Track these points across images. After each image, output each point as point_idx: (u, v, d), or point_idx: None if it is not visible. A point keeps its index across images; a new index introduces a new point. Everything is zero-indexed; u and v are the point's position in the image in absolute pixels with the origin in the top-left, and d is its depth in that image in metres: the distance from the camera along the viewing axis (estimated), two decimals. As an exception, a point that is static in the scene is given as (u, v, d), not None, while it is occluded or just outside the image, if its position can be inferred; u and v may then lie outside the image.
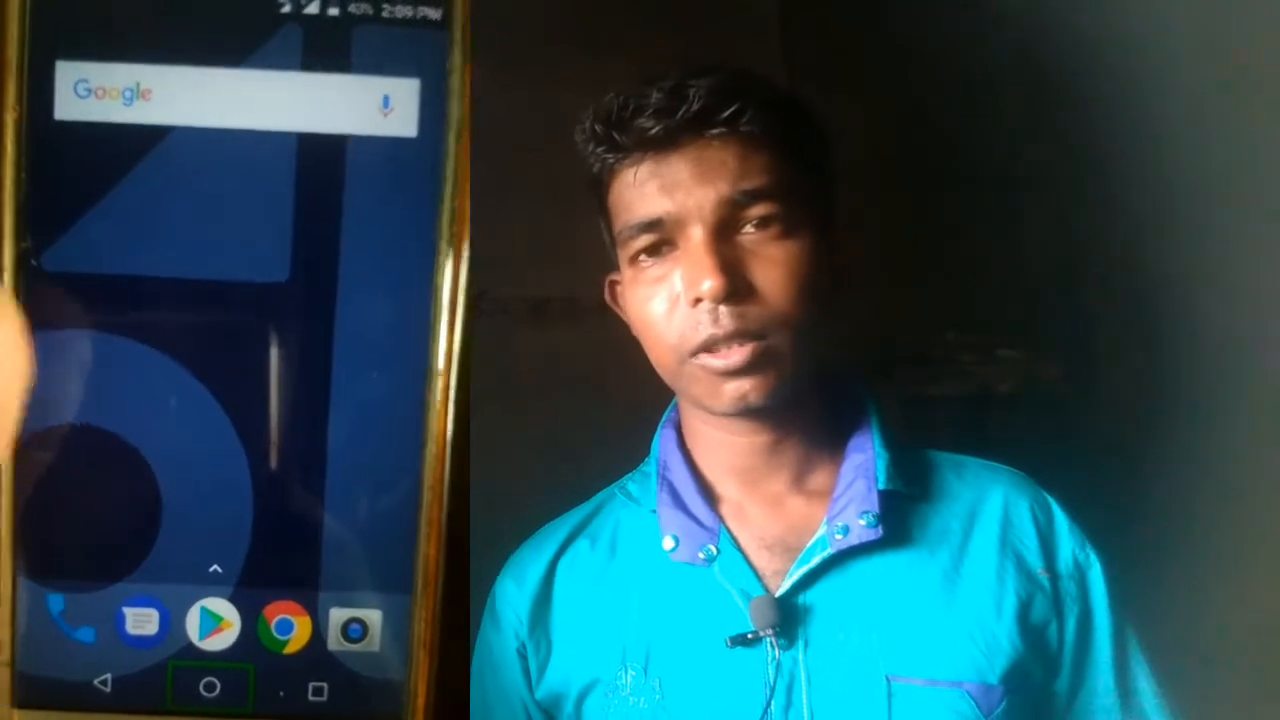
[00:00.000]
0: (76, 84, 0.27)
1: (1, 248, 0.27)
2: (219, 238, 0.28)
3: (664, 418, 0.59)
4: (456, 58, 0.28)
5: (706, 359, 0.50)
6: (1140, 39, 0.98)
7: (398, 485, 0.29)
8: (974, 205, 1.13)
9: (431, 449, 0.29)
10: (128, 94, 0.27)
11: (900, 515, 0.53)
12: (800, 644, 0.50)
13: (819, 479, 0.54)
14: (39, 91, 0.27)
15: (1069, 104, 1.08)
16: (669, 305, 0.51)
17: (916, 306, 1.12)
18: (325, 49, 0.27)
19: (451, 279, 0.29)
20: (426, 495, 0.30)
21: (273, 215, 0.28)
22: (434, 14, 0.28)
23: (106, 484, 0.28)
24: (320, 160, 0.28)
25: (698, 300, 0.49)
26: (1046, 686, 0.53)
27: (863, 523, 0.51)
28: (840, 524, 0.51)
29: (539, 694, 0.55)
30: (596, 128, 0.51)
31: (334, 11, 0.27)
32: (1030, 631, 0.52)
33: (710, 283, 0.48)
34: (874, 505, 0.51)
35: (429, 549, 0.30)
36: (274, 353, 0.28)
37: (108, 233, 0.28)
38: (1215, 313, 0.99)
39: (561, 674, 0.54)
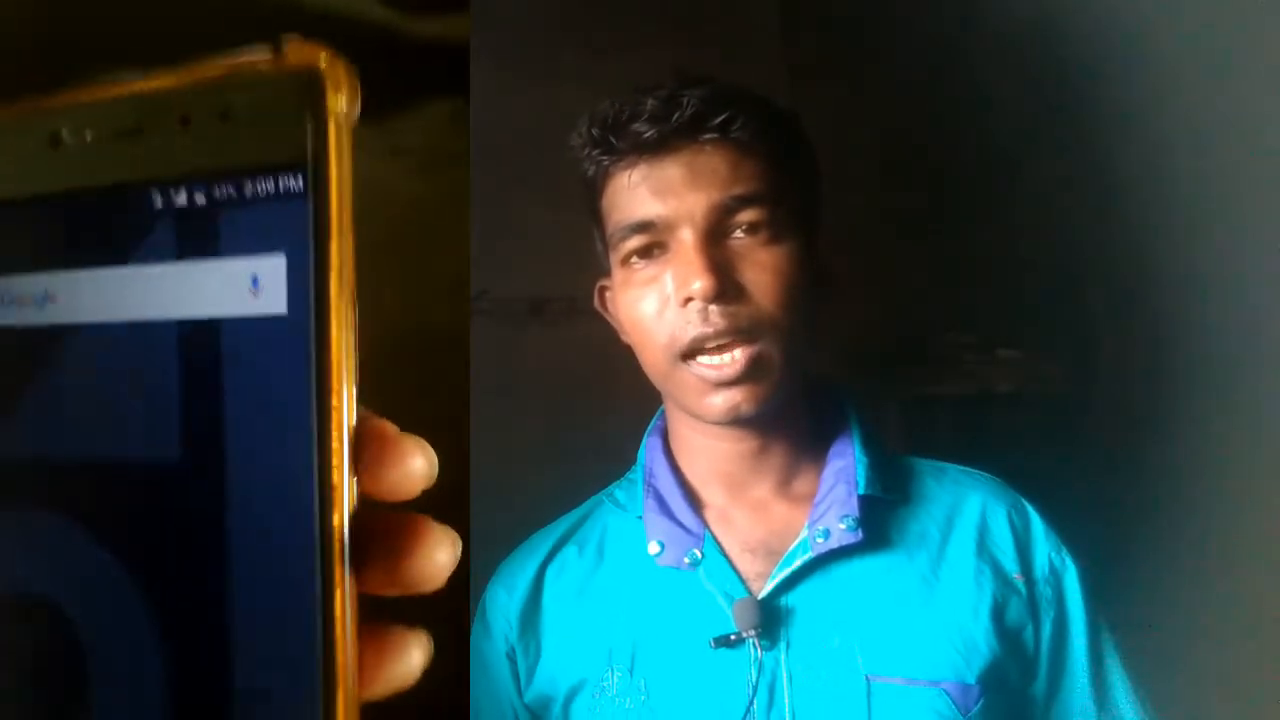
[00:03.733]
0: None
1: None
2: (121, 421, 0.30)
3: (650, 426, 0.60)
4: (322, 226, 0.28)
5: (700, 367, 0.51)
6: (1141, 40, 0.97)
7: (298, 624, 0.29)
8: (975, 206, 1.13)
9: (333, 573, 0.29)
10: (39, 299, 0.30)
11: (880, 519, 0.53)
12: (782, 645, 0.51)
13: (801, 484, 0.55)
14: None
15: (1070, 104, 1.08)
16: (659, 306, 0.51)
17: (916, 306, 1.13)
18: (195, 237, 0.29)
19: (321, 447, 0.29)
20: (327, 627, 0.29)
21: (162, 398, 0.30)
22: (295, 185, 0.28)
23: (31, 641, 0.30)
24: (198, 346, 0.29)
25: (688, 300, 0.50)
26: (1024, 688, 0.54)
27: (843, 526, 0.52)
28: (821, 528, 0.52)
29: (528, 697, 0.56)
30: (593, 131, 0.52)
31: (200, 200, 0.28)
32: (1006, 634, 0.52)
33: (701, 283, 0.49)
34: (854, 509, 0.52)
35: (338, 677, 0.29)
36: (173, 519, 0.30)
37: (29, 423, 0.30)
38: (1215, 313, 0.99)
39: (549, 676, 0.55)
